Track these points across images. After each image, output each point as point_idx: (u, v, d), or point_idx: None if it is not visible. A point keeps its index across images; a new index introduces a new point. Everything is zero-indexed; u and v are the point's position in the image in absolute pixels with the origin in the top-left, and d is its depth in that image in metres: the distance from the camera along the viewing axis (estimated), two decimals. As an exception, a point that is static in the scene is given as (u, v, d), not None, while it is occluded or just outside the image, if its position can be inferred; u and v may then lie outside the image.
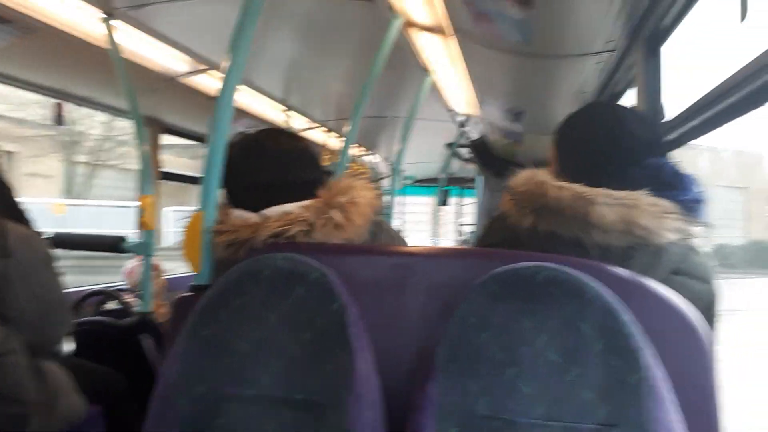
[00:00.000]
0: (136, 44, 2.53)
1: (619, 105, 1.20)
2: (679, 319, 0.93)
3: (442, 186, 5.58)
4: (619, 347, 0.87)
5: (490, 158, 4.50)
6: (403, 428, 0.92)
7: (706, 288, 1.07)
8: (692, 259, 1.06)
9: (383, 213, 1.30)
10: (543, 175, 1.08)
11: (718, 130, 1.23)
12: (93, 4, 2.18)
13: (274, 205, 1.19)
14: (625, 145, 1.09)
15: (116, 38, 2.32)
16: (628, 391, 0.85)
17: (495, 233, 1.19)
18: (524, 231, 1.05)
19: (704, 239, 1.06)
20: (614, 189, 1.02)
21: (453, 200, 7.94)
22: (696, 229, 1.04)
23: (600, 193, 1.01)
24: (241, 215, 1.20)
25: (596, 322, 0.88)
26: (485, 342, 0.91)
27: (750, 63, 1.00)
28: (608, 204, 0.99)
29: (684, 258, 1.04)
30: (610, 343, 0.87)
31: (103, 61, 2.43)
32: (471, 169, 6.29)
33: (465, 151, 5.17)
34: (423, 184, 7.89)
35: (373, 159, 6.19)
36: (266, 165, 1.25)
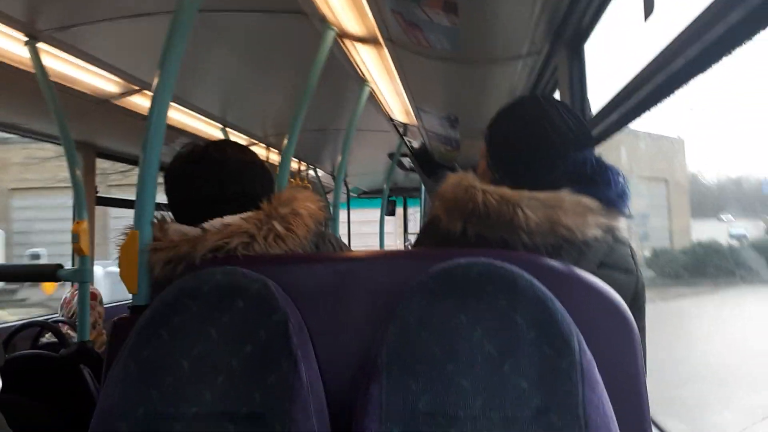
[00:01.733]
0: (63, 67, 2.46)
1: (546, 98, 1.22)
2: (607, 304, 0.98)
3: (388, 196, 5.61)
4: (550, 335, 0.90)
5: (432, 166, 4.58)
6: None
7: (631, 279, 1.11)
8: (617, 251, 1.10)
9: (327, 224, 1.30)
10: (470, 180, 1.10)
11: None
12: (14, 27, 2.10)
13: (216, 217, 1.18)
14: (550, 138, 1.12)
15: (42, 61, 2.25)
16: (560, 376, 0.88)
17: (429, 237, 1.22)
18: (455, 235, 1.08)
19: (629, 232, 1.11)
20: (540, 183, 1.06)
21: (399, 210, 8.03)
22: (620, 223, 1.09)
23: (524, 196, 1.04)
24: (178, 230, 1.17)
25: (528, 313, 0.91)
26: (425, 340, 0.92)
27: (657, 55, 1.06)
28: (532, 206, 1.03)
29: (609, 251, 1.09)
30: (542, 332, 0.90)
31: (29, 86, 2.35)
32: (415, 179, 6.38)
33: (407, 161, 5.24)
34: (369, 195, 7.94)
35: (317, 173, 6.17)
36: (211, 175, 1.23)
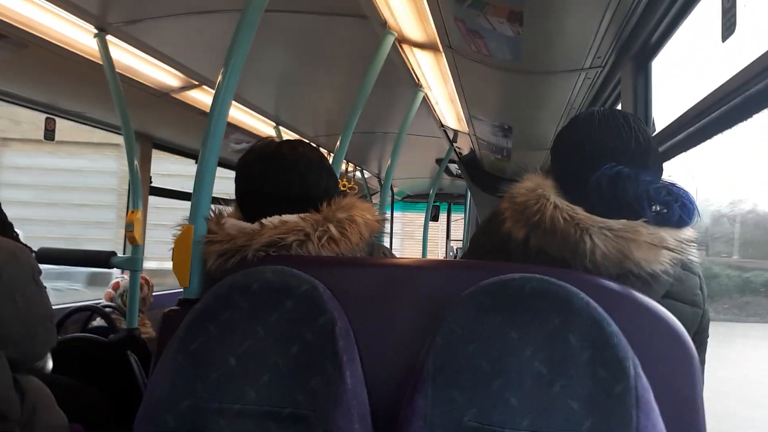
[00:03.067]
0: (128, 59, 2.54)
1: (610, 110, 1.13)
2: (666, 330, 0.94)
3: (433, 202, 5.58)
4: (605, 358, 0.87)
5: (480, 174, 4.53)
6: None
7: (696, 312, 1.06)
8: (685, 283, 1.05)
9: (380, 236, 1.30)
10: (545, 188, 1.04)
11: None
12: (86, 19, 2.18)
13: (275, 215, 1.19)
14: (604, 150, 1.05)
15: (109, 53, 2.32)
16: (613, 401, 0.85)
17: (487, 236, 1.17)
18: (516, 242, 1.04)
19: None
20: (608, 209, 0.99)
21: (443, 216, 7.99)
22: (692, 253, 1.02)
23: (597, 223, 0.98)
24: (235, 224, 1.19)
25: (583, 333, 0.89)
26: (472, 353, 0.91)
27: (733, 77, 1.02)
28: (603, 237, 0.97)
29: (676, 282, 1.03)
30: (596, 354, 0.87)
31: (94, 76, 2.44)
32: (461, 185, 6.34)
33: (454, 167, 5.21)
34: (413, 200, 7.93)
35: (363, 174, 6.21)
36: (279, 173, 1.24)
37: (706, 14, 1.29)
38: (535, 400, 0.87)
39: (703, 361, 1.02)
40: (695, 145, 1.29)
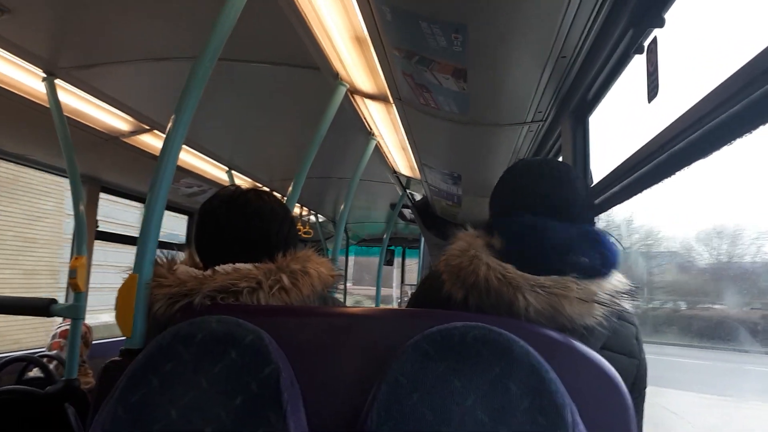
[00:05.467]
0: (77, 104, 2.51)
1: (544, 161, 1.19)
2: (603, 379, 0.97)
3: (387, 246, 5.61)
4: (543, 405, 0.89)
5: (432, 219, 4.61)
6: None
7: (633, 363, 1.08)
8: (620, 333, 1.08)
9: (332, 291, 1.31)
10: (477, 248, 1.07)
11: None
12: (35, 64, 2.16)
13: (234, 262, 1.19)
14: (535, 196, 1.10)
15: (57, 97, 2.30)
16: None
17: (428, 297, 1.19)
18: (456, 302, 1.06)
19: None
20: (541, 266, 1.02)
21: (397, 260, 8.02)
22: (626, 304, 1.05)
23: (528, 281, 1.00)
24: (187, 271, 1.18)
25: (522, 381, 0.91)
26: (416, 402, 0.91)
27: (660, 133, 1.09)
28: (535, 293, 1.00)
29: (612, 334, 1.05)
30: (536, 401, 0.89)
31: (41, 119, 2.40)
32: (415, 230, 6.40)
33: (408, 212, 5.28)
34: (368, 244, 7.95)
35: (318, 218, 6.20)
36: (243, 219, 1.26)
37: (636, 75, 1.39)
38: None
39: (640, 411, 1.04)
40: (630, 197, 1.35)
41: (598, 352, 1.00)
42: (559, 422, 0.88)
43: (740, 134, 0.79)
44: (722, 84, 0.83)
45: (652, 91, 1.08)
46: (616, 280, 1.05)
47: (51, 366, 2.61)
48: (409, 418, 0.91)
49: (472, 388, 0.91)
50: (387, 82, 2.02)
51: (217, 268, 1.17)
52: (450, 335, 0.95)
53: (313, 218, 6.08)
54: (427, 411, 0.91)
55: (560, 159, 1.98)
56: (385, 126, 2.75)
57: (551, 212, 1.07)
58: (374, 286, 5.82)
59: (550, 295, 0.99)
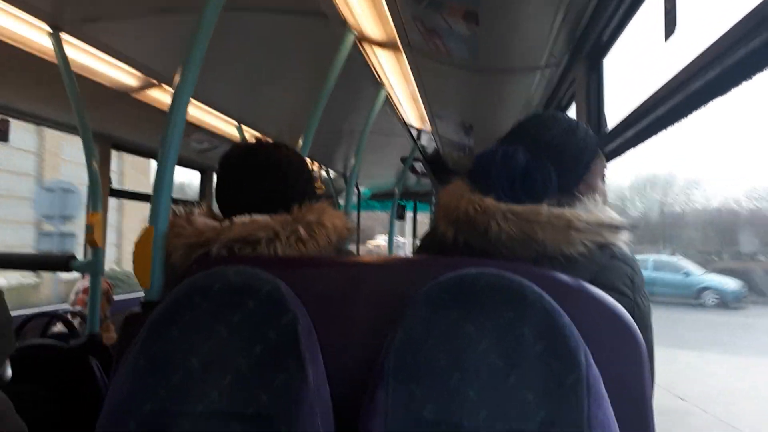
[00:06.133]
0: (85, 58, 2.49)
1: (548, 113, 1.24)
2: (615, 321, 0.97)
3: (398, 200, 5.61)
4: (557, 349, 0.90)
5: (444, 171, 4.58)
6: None
7: (625, 302, 1.01)
8: (612, 270, 1.04)
9: (347, 243, 1.33)
10: (461, 188, 1.11)
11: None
12: (40, 18, 2.13)
13: (251, 213, 1.21)
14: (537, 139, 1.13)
15: (65, 52, 2.27)
16: (566, 391, 0.88)
17: (429, 243, 1.23)
18: (448, 242, 1.10)
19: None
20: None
21: (409, 214, 8.04)
22: (620, 240, 1.06)
23: (501, 209, 1.05)
24: (204, 221, 1.20)
25: (536, 325, 0.91)
26: (431, 348, 0.93)
27: (676, 75, 1.06)
28: (507, 219, 1.03)
29: (601, 270, 1.04)
30: (549, 346, 0.90)
31: (49, 76, 2.38)
32: (427, 183, 6.38)
33: (420, 165, 5.25)
34: (379, 198, 7.95)
35: (329, 174, 6.19)
36: (262, 172, 1.27)
37: (652, 15, 1.35)
38: (491, 393, 0.90)
39: (650, 350, 1.03)
40: (643, 141, 1.33)
41: None
42: (572, 366, 0.89)
43: (762, 68, 0.77)
44: (744, 18, 0.80)
45: (670, 28, 1.04)
46: (605, 214, 1.06)
47: (75, 322, 2.68)
48: (424, 363, 0.92)
49: (486, 334, 0.92)
50: (396, 29, 1.97)
51: (234, 218, 1.18)
52: (462, 281, 0.96)
53: (324, 174, 6.08)
54: (442, 356, 0.92)
55: (574, 105, 1.95)
56: (395, 76, 2.70)
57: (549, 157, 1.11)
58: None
59: (522, 221, 1.03)
